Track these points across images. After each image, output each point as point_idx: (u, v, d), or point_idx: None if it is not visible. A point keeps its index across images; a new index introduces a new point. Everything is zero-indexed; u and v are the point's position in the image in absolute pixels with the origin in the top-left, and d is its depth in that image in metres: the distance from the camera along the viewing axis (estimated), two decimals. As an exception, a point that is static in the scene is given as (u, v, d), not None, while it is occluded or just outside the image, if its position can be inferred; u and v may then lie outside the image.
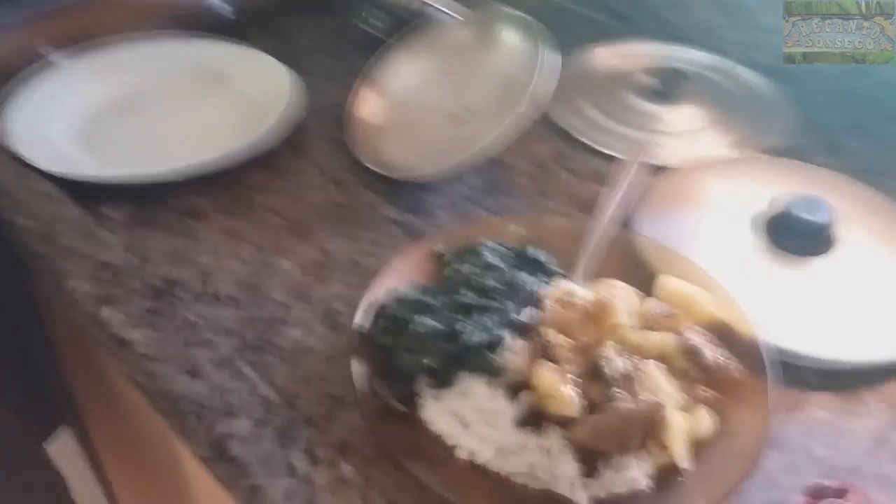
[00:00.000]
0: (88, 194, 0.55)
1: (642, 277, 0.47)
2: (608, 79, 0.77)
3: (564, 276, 0.48)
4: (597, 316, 0.42)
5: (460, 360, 0.41)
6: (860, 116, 0.70)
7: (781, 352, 0.44)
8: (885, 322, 0.50)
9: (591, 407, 0.38)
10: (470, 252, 0.49)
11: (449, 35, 0.71)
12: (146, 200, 0.57)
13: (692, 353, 0.41)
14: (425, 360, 0.41)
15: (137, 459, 0.73)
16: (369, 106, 0.68)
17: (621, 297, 0.44)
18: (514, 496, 0.37)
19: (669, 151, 0.65)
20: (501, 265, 0.48)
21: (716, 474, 0.37)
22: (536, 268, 0.49)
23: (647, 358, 0.41)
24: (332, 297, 0.50)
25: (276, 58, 0.72)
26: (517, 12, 0.67)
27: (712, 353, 0.41)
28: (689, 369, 0.41)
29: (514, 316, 0.43)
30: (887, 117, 0.69)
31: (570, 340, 0.41)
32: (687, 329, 0.42)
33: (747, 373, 0.42)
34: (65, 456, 0.80)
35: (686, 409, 0.40)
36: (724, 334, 0.43)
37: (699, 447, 0.39)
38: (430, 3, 0.75)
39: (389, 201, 0.59)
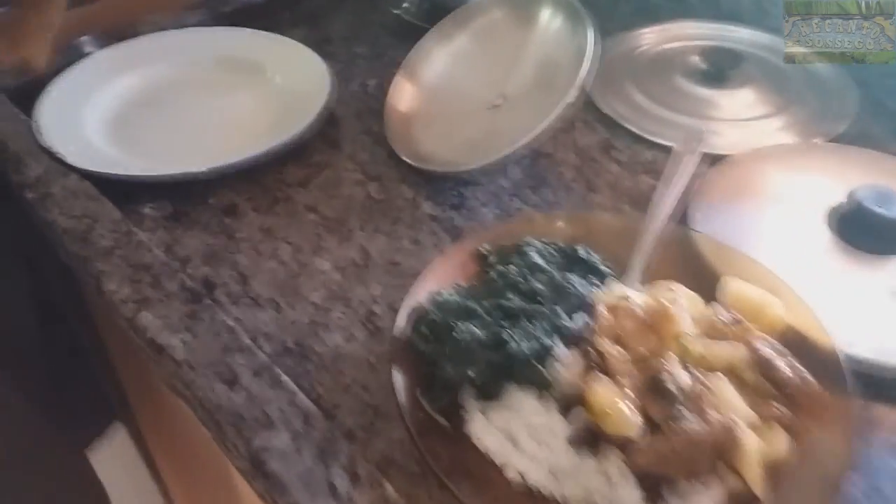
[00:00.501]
0: (124, 192, 0.55)
1: (703, 280, 0.44)
2: (656, 62, 0.72)
3: (617, 279, 0.45)
4: (656, 324, 0.39)
5: (507, 371, 0.38)
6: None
7: (859, 362, 0.40)
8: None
9: (653, 426, 0.35)
10: (515, 252, 0.46)
11: (487, 18, 0.68)
12: (183, 197, 0.55)
13: (764, 366, 0.37)
14: (469, 371, 0.38)
15: (188, 458, 0.73)
16: (405, 96, 0.65)
17: (682, 302, 0.41)
18: (568, 521, 0.35)
19: (725, 139, 0.61)
20: (549, 267, 0.45)
21: (792, 502, 0.34)
22: (587, 269, 0.46)
23: (713, 371, 0.37)
24: (372, 299, 0.48)
25: (308, 46, 0.70)
26: (560, -8, 0.63)
27: (787, 365, 0.38)
28: (761, 384, 0.38)
29: (564, 323, 0.41)
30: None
31: (626, 351, 0.38)
32: (757, 339, 0.39)
33: (825, 388, 0.38)
34: (119, 452, 0.81)
35: (758, 428, 0.37)
36: (797, 344, 0.40)
37: (774, 472, 0.36)
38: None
39: (428, 197, 0.57)
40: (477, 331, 0.40)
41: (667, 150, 0.58)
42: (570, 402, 0.37)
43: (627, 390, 0.36)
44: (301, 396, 0.40)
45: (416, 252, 0.52)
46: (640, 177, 0.59)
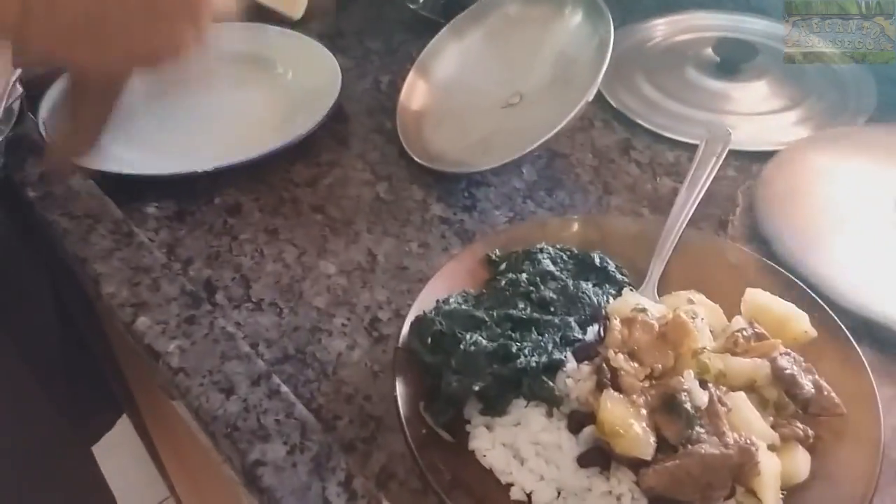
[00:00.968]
0: (129, 190, 0.54)
1: (726, 290, 0.41)
2: (668, 54, 0.70)
3: (634, 288, 0.43)
4: (673, 338, 0.37)
5: (515, 385, 0.37)
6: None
7: None
8: None
9: (667, 446, 0.33)
10: (526, 258, 0.44)
11: (503, 14, 0.66)
12: (188, 196, 0.54)
13: (787, 384, 0.35)
14: (475, 385, 0.36)
15: (191, 454, 0.72)
16: (418, 94, 0.63)
17: (701, 314, 0.38)
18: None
19: (740, 134, 0.58)
20: (562, 274, 0.43)
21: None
22: (602, 277, 0.44)
23: (733, 388, 0.35)
24: (378, 305, 0.47)
25: (321, 41, 0.68)
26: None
27: (811, 383, 0.35)
28: (784, 402, 0.36)
29: (576, 335, 0.39)
30: None
31: (641, 367, 0.36)
32: (780, 354, 0.36)
33: (851, 406, 0.36)
34: (125, 447, 0.80)
35: (779, 448, 0.34)
36: (823, 360, 0.37)
37: (794, 494, 0.34)
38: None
39: (439, 198, 0.55)
40: (484, 342, 0.38)
41: (689, 149, 0.56)
42: (581, 420, 0.35)
43: (641, 409, 0.34)
44: (300, 407, 0.38)
45: (425, 256, 0.50)
46: (660, 179, 0.57)
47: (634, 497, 0.33)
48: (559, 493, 0.34)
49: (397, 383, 0.38)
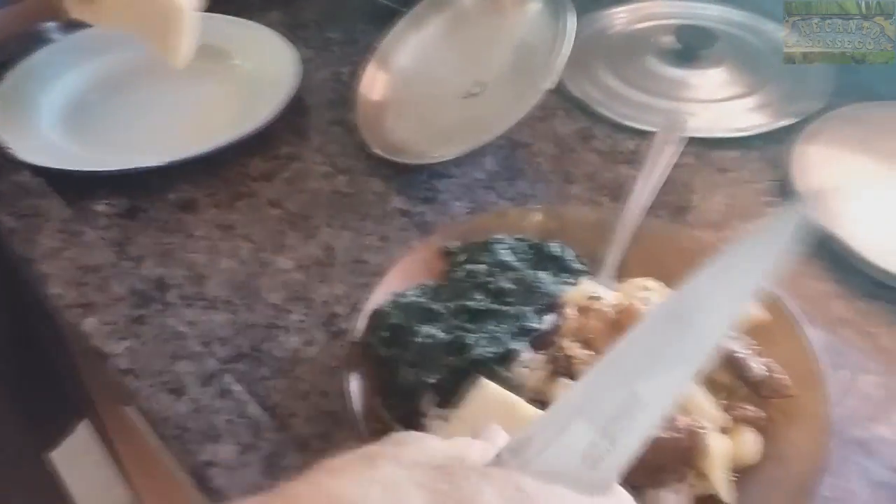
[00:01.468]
0: (75, 186, 0.52)
1: (681, 276, 0.41)
2: (629, 43, 0.70)
3: (591, 276, 0.43)
4: (626, 325, 0.36)
5: (469, 376, 0.36)
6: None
7: None
8: None
9: (619, 434, 0.33)
10: (484, 249, 0.44)
11: (462, 2, 0.65)
12: (140, 193, 0.53)
13: (738, 367, 0.36)
14: (430, 378, 0.36)
15: (152, 455, 0.71)
16: (378, 84, 0.62)
17: (656, 300, 0.39)
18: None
19: (700, 121, 0.59)
20: (519, 264, 0.43)
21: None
22: (558, 266, 0.43)
23: (684, 375, 0.35)
24: (335, 299, 0.46)
25: (280, 31, 0.67)
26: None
27: (759, 365, 0.36)
28: (734, 385, 0.36)
29: (530, 324, 0.39)
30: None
31: (595, 354, 0.36)
32: (731, 338, 0.36)
33: (801, 388, 0.36)
34: (84, 451, 0.79)
35: (728, 430, 0.35)
36: (774, 344, 0.38)
37: (745, 475, 0.34)
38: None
39: (398, 190, 0.55)
40: (439, 334, 0.38)
41: (649, 138, 0.56)
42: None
43: (594, 397, 0.34)
44: (253, 406, 0.38)
45: (384, 249, 0.50)
46: (619, 167, 0.57)
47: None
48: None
49: (351, 378, 0.37)
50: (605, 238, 0.46)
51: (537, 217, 0.48)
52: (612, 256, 0.45)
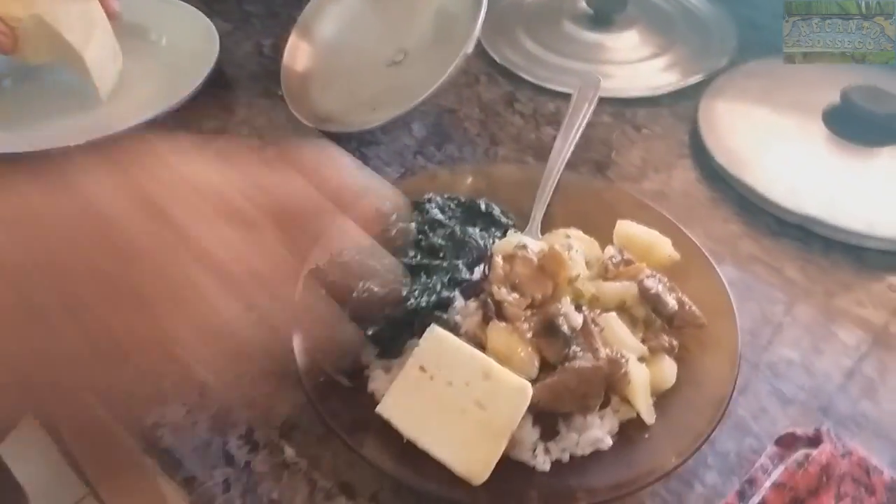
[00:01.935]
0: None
1: (602, 225, 0.44)
2: (546, 9, 0.72)
3: (518, 230, 0.45)
4: (549, 269, 0.39)
5: (407, 326, 0.38)
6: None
7: (849, 233, 0.49)
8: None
9: (550, 366, 0.36)
10: (416, 208, 0.46)
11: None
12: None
13: (653, 302, 0.39)
14: (368, 330, 0.38)
15: (103, 442, 0.69)
16: (301, 56, 0.62)
17: (577, 246, 0.41)
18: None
19: (615, 82, 0.62)
20: (449, 222, 0.45)
21: (683, 426, 0.35)
22: (488, 221, 0.46)
23: (606, 310, 0.39)
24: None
25: (196, 5, 0.66)
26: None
27: (674, 300, 0.39)
28: (651, 318, 0.39)
29: (464, 276, 0.41)
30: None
31: (522, 298, 0.38)
32: (647, 276, 0.40)
33: (712, 318, 0.40)
34: (33, 444, 0.76)
35: (649, 360, 0.38)
36: (687, 280, 0.41)
37: (664, 399, 0.38)
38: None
39: (330, 158, 0.55)
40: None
41: (569, 99, 0.59)
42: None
43: (525, 335, 0.36)
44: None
45: (318, 215, 0.50)
46: (543, 128, 0.59)
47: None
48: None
49: (294, 337, 0.38)
50: (531, 194, 0.48)
51: (466, 178, 0.50)
52: (538, 210, 0.47)
